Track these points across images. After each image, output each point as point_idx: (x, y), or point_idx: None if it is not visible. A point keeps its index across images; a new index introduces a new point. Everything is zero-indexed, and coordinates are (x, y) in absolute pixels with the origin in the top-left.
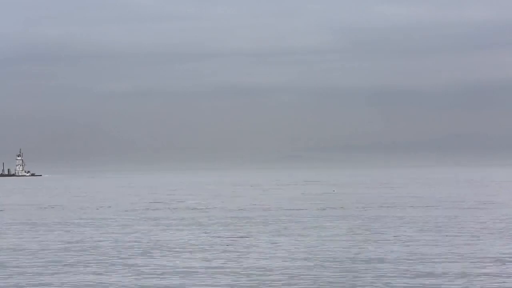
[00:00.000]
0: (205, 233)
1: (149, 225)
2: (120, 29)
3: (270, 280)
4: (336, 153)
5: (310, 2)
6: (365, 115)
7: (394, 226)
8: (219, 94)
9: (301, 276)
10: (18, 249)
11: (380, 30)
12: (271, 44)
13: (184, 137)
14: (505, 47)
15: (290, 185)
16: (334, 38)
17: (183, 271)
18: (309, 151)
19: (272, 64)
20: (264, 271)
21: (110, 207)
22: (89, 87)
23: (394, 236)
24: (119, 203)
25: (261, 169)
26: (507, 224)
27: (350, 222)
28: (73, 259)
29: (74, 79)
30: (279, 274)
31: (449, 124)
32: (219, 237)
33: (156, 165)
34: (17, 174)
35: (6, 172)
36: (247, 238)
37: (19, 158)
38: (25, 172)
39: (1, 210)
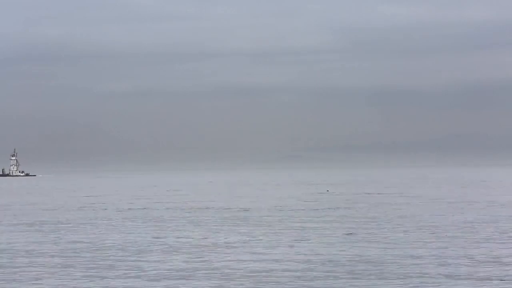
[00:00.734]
0: (192, 233)
1: (140, 225)
2: (120, 29)
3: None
4: (336, 153)
5: (310, 2)
6: (365, 115)
7: (380, 227)
8: (219, 94)
9: (288, 277)
10: None
11: (380, 30)
12: (271, 44)
13: (184, 137)
14: (505, 47)
15: (285, 185)
16: (334, 38)
17: (169, 272)
18: (309, 151)
19: (272, 64)
20: (242, 272)
21: (93, 206)
22: (89, 87)
23: (378, 236)
24: (100, 204)
25: (261, 169)
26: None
27: (339, 222)
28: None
29: (74, 79)
30: (264, 276)
31: (449, 124)
32: (205, 238)
33: (156, 165)
34: (11, 174)
35: (0, 172)
36: (228, 239)
37: (14, 158)
38: (19, 172)
39: None
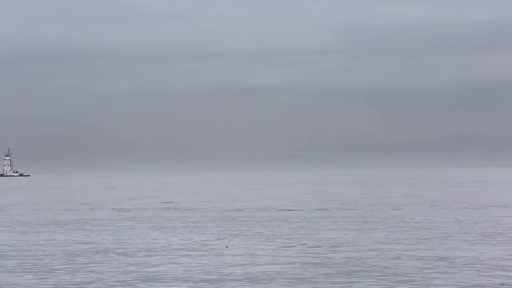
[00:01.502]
0: (176, 234)
1: (130, 226)
2: (120, 29)
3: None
4: (336, 153)
5: (310, 2)
6: (365, 115)
7: (367, 227)
8: (219, 94)
9: (271, 279)
10: None
11: (380, 30)
12: (271, 44)
13: (184, 137)
14: (505, 47)
15: (282, 185)
16: (334, 38)
17: (154, 274)
18: (309, 151)
19: (272, 64)
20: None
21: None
22: (89, 87)
23: (362, 236)
24: (84, 204)
25: (261, 169)
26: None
27: (331, 223)
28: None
29: (74, 79)
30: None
31: (449, 124)
32: (190, 239)
33: (156, 165)
34: (5, 174)
35: None
36: (219, 240)
37: (7, 158)
38: (13, 172)
39: None
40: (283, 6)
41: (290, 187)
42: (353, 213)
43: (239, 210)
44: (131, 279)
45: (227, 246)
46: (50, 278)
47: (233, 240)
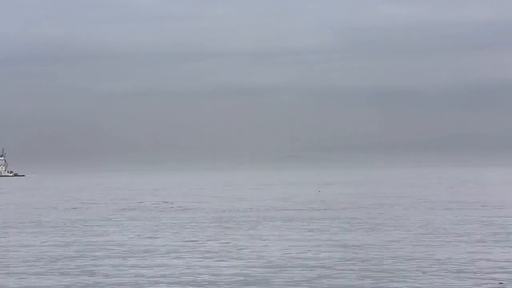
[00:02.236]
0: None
1: (117, 227)
2: (120, 29)
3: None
4: (336, 153)
5: (310, 2)
6: (365, 115)
7: (357, 229)
8: (219, 94)
9: (257, 280)
10: None
11: (380, 30)
12: (271, 44)
13: (184, 137)
14: (505, 47)
15: (278, 185)
16: (334, 38)
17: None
18: (309, 151)
19: (272, 64)
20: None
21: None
22: (89, 87)
23: (352, 238)
24: (62, 204)
25: (261, 169)
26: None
27: (322, 223)
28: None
29: (74, 79)
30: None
31: (449, 124)
32: (176, 240)
33: (156, 165)
34: None
35: None
36: (207, 242)
37: (2, 158)
38: (7, 172)
39: None
40: (283, 6)
41: (285, 187)
42: (342, 213)
43: (229, 210)
44: (126, 281)
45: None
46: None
47: (221, 240)
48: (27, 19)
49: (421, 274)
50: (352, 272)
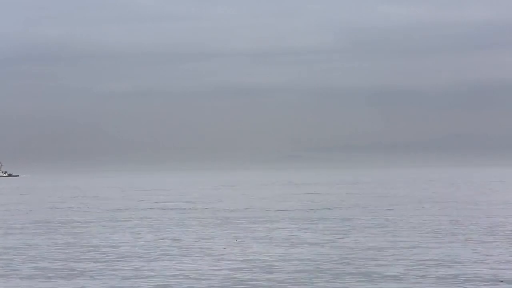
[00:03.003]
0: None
1: (101, 228)
2: (120, 29)
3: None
4: (336, 153)
5: (310, 2)
6: (365, 115)
7: (348, 229)
8: (219, 94)
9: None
10: None
11: (380, 30)
12: (271, 44)
13: (184, 137)
14: (505, 47)
15: (273, 185)
16: (334, 38)
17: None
18: (309, 151)
19: (272, 64)
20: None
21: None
22: (89, 87)
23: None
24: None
25: (261, 169)
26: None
27: (314, 224)
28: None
29: (74, 79)
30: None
31: (449, 124)
32: (162, 239)
33: (156, 165)
34: None
35: None
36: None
37: None
38: (2, 172)
39: None
40: (283, 6)
41: (284, 188)
42: (342, 213)
43: (218, 210)
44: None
45: (224, 248)
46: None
47: (210, 240)
48: (27, 19)
49: (417, 272)
50: (339, 270)
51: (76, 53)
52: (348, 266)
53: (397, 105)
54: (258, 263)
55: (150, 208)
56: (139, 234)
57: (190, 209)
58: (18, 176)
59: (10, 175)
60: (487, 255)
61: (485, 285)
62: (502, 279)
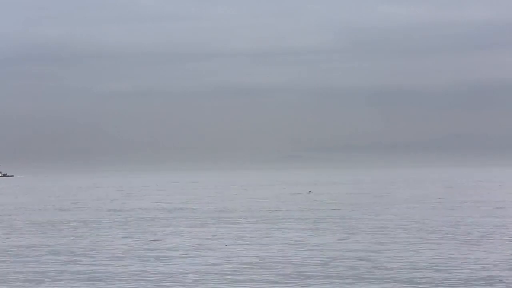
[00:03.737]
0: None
1: (80, 228)
2: (120, 29)
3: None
4: (336, 153)
5: (310, 2)
6: (365, 115)
7: (338, 229)
8: (219, 94)
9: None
10: None
11: (380, 30)
12: (271, 44)
13: (184, 137)
14: (505, 47)
15: (269, 185)
16: (334, 38)
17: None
18: (309, 151)
19: (272, 64)
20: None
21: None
22: (89, 87)
23: (336, 239)
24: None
25: (261, 169)
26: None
27: (305, 224)
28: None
29: (74, 79)
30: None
31: (449, 124)
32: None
33: (156, 165)
34: None
35: None
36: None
37: None
38: None
39: None
40: (283, 6)
41: (279, 188)
42: (335, 213)
43: (212, 210)
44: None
45: (226, 244)
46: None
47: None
48: (27, 19)
49: (410, 273)
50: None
51: (76, 53)
52: (337, 268)
53: (397, 105)
54: (245, 263)
55: (144, 208)
56: (122, 234)
57: (179, 209)
58: (12, 176)
59: (4, 175)
60: (482, 257)
61: (482, 286)
62: (501, 280)
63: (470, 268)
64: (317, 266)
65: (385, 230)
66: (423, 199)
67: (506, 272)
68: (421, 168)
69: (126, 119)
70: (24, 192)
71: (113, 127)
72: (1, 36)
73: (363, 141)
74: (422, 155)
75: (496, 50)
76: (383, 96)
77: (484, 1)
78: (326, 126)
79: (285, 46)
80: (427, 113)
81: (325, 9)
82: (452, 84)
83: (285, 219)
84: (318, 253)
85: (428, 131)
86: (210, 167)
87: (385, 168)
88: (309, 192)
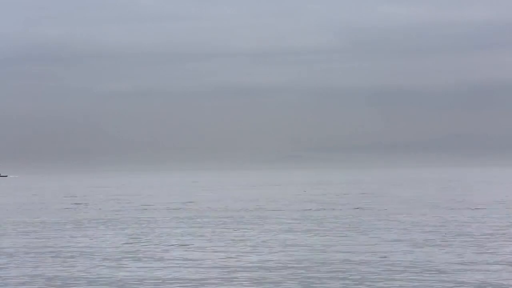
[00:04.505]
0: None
1: (68, 229)
2: (120, 29)
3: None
4: (336, 153)
5: (310, 2)
6: (365, 115)
7: (325, 229)
8: (219, 94)
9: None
10: None
11: (380, 30)
12: (271, 44)
13: (184, 137)
14: (505, 47)
15: (266, 185)
16: (334, 38)
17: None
18: (309, 151)
19: (272, 64)
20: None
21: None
22: (89, 87)
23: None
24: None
25: (261, 169)
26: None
27: (296, 224)
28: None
29: (74, 79)
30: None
31: (449, 124)
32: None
33: (156, 165)
34: None
35: None
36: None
37: None
38: None
39: None
40: (283, 6)
41: (275, 188)
42: (328, 213)
43: (201, 209)
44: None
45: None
46: None
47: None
48: (27, 19)
49: (397, 276)
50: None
51: (76, 53)
52: (323, 269)
53: (397, 105)
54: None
55: (140, 209)
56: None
57: (174, 209)
58: (6, 176)
59: None
60: (472, 260)
61: None
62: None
63: (457, 271)
64: (310, 267)
65: (377, 230)
66: (419, 199)
67: (489, 275)
68: (421, 168)
69: (126, 119)
70: (7, 193)
71: (113, 127)
72: (1, 36)
73: (363, 141)
74: (422, 155)
75: (496, 50)
76: (383, 96)
77: (484, 1)
78: (326, 126)
79: (285, 46)
80: (427, 113)
81: (325, 9)
82: (452, 84)
83: (290, 220)
84: (287, 253)
85: (428, 131)
86: (210, 167)
87: (385, 168)
88: (304, 191)
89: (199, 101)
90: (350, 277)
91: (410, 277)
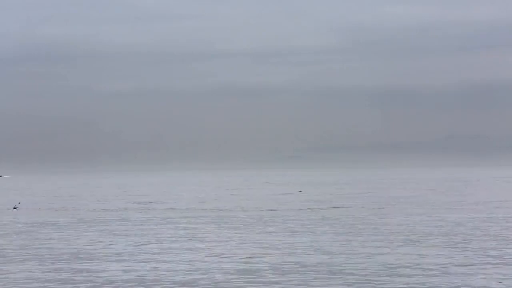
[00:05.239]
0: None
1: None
2: (121, 29)
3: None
4: (336, 153)
5: (310, 2)
6: (365, 115)
7: (313, 228)
8: (220, 94)
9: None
10: None
11: (381, 30)
12: (272, 44)
13: (184, 137)
14: (507, 47)
15: (262, 185)
16: (335, 38)
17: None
18: (309, 151)
19: (272, 64)
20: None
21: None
22: (89, 86)
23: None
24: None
25: (261, 169)
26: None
27: (287, 224)
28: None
29: (74, 79)
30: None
31: (449, 124)
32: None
33: (156, 165)
34: None
35: None
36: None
37: None
38: None
39: None
40: (285, 7)
41: (271, 188)
42: (323, 213)
43: (197, 209)
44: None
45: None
46: None
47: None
48: (27, 19)
49: (387, 277)
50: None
51: (76, 53)
52: (323, 269)
53: (398, 105)
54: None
55: (137, 209)
56: (110, 236)
57: (169, 209)
58: (1, 176)
59: None
60: (473, 261)
61: None
62: (500, 281)
63: (444, 273)
64: (297, 269)
65: (367, 232)
66: (419, 199)
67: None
68: (421, 168)
69: (126, 119)
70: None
71: (113, 126)
72: (1, 36)
73: (363, 141)
74: (422, 155)
75: (497, 50)
76: (383, 96)
77: (486, 1)
78: (326, 126)
79: (286, 46)
80: (427, 113)
81: (326, 9)
82: (452, 84)
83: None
84: (298, 257)
85: (428, 131)
86: (210, 167)
87: (385, 168)
88: (300, 191)
89: (201, 101)
90: (350, 277)
91: (410, 277)
